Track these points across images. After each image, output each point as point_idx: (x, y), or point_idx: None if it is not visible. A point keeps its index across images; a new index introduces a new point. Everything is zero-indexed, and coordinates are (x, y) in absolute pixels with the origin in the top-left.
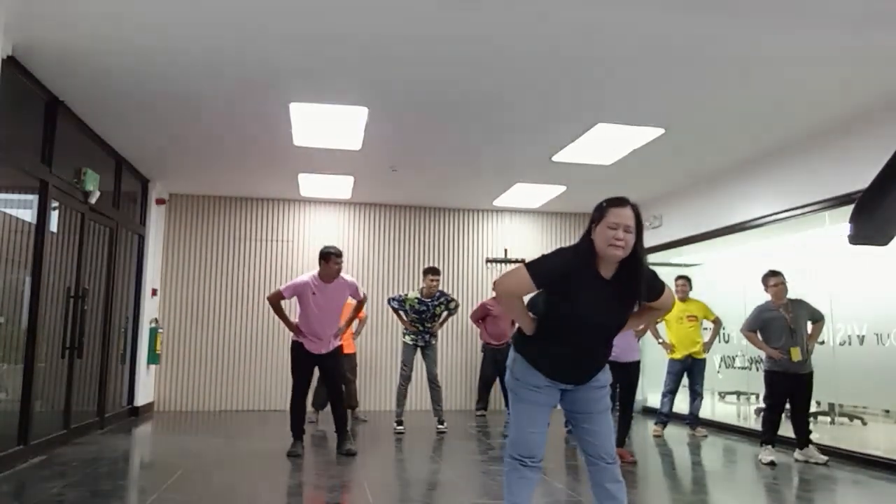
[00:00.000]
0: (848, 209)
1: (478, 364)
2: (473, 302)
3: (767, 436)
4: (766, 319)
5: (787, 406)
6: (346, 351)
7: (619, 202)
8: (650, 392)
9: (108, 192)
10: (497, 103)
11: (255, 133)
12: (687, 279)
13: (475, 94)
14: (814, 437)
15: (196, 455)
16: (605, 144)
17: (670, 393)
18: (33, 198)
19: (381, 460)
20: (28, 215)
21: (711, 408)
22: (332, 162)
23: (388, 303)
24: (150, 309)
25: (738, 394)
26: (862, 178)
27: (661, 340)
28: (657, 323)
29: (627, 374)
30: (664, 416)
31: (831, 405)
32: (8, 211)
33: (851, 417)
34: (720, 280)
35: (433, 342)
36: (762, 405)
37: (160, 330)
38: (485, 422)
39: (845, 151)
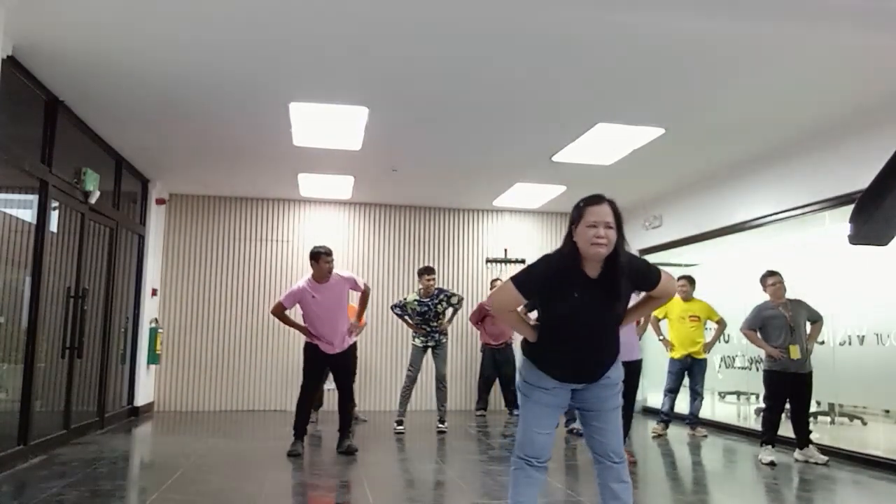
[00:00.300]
0: (848, 209)
1: (478, 364)
2: (474, 301)
3: (767, 436)
4: (765, 318)
5: (787, 406)
6: None
7: (596, 200)
8: (650, 392)
9: (108, 192)
10: (497, 103)
11: (255, 133)
12: (689, 279)
13: (475, 94)
14: (814, 437)
15: (196, 455)
16: (605, 144)
17: (671, 392)
18: (33, 198)
19: (381, 460)
20: (28, 215)
21: (711, 408)
22: (332, 162)
23: (392, 310)
24: (150, 309)
25: (738, 394)
26: (862, 178)
27: (661, 338)
28: (660, 320)
29: (628, 374)
30: (666, 416)
31: (831, 405)
32: (8, 211)
33: (851, 417)
34: (720, 280)
35: (443, 341)
36: (762, 405)
37: (160, 330)
38: (485, 422)
39: (845, 151)
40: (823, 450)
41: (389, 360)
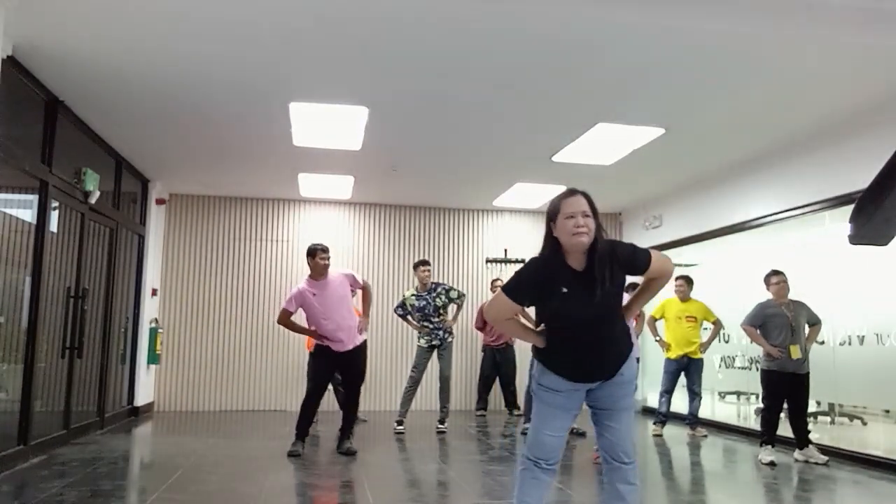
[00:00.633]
0: (848, 209)
1: (478, 364)
2: (474, 301)
3: (767, 436)
4: (767, 316)
5: (786, 406)
6: None
7: (569, 193)
8: (649, 392)
9: (108, 192)
10: (497, 103)
11: (254, 133)
12: (687, 280)
13: (475, 94)
14: (814, 437)
15: (196, 455)
16: (605, 144)
17: (667, 393)
18: (33, 198)
19: (381, 460)
20: (28, 215)
21: (711, 408)
22: (332, 162)
23: (395, 312)
24: (150, 309)
25: (738, 394)
26: (862, 178)
27: (657, 338)
28: (656, 320)
29: None
30: (662, 416)
31: (831, 405)
32: (8, 211)
33: (851, 417)
34: (720, 280)
35: (449, 339)
36: (762, 405)
37: (160, 330)
38: (485, 422)
39: (845, 151)
40: (823, 450)
41: (390, 360)
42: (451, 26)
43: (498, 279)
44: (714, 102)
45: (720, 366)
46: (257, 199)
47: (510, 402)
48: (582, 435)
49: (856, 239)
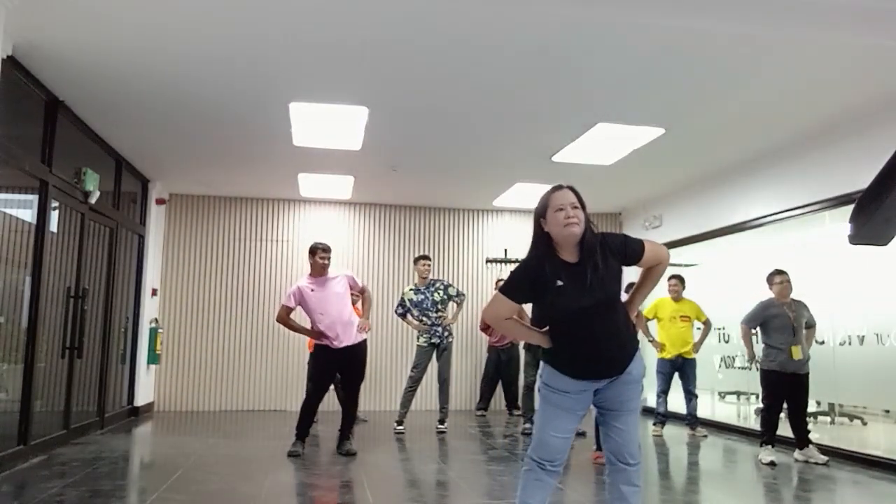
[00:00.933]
0: (848, 209)
1: (481, 365)
2: (474, 300)
3: (767, 436)
4: (768, 316)
5: (786, 406)
6: None
7: (556, 188)
8: (649, 392)
9: (108, 192)
10: (497, 103)
11: (254, 133)
12: (680, 279)
13: (475, 94)
14: (814, 437)
15: (196, 455)
16: (605, 144)
17: (664, 393)
18: (33, 198)
19: (381, 460)
20: (28, 215)
21: (711, 408)
22: (332, 162)
23: (395, 313)
24: (150, 309)
25: (738, 394)
26: (862, 178)
27: (650, 339)
28: (649, 321)
29: None
30: (662, 416)
31: (831, 405)
32: (8, 211)
33: (851, 417)
34: (720, 280)
35: (449, 339)
36: (762, 405)
37: (160, 330)
38: (485, 422)
39: (845, 151)
40: (823, 450)
41: (390, 360)
42: (451, 26)
43: (501, 279)
44: (714, 102)
45: (720, 366)
46: (257, 199)
47: (511, 402)
48: (582, 435)
49: (856, 239)
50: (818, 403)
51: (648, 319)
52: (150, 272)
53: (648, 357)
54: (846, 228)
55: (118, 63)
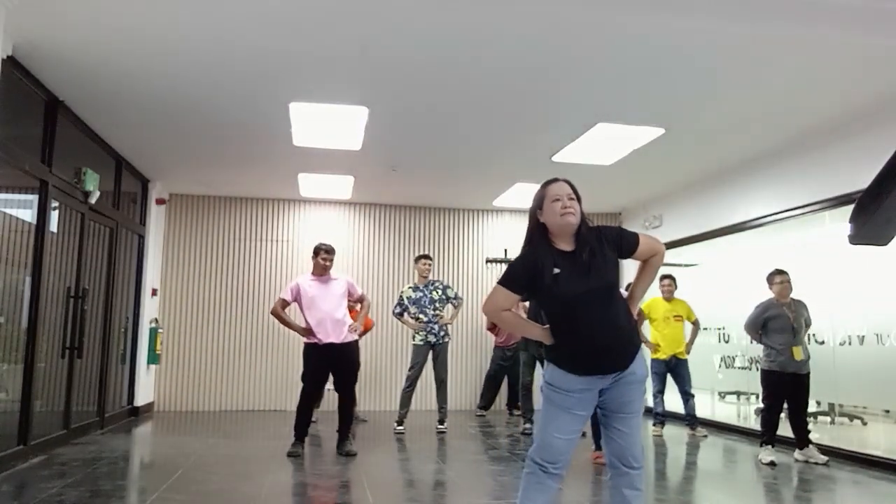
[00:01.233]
0: (848, 209)
1: (485, 365)
2: (473, 302)
3: (767, 436)
4: (768, 317)
5: (786, 406)
6: None
7: (553, 180)
8: (648, 392)
9: (108, 192)
10: (497, 103)
11: (255, 133)
12: (672, 279)
13: (475, 94)
14: (814, 437)
15: (196, 455)
16: (605, 144)
17: (660, 393)
18: (33, 198)
19: (381, 460)
20: (28, 215)
21: (711, 408)
22: (332, 162)
23: (393, 313)
24: (150, 309)
25: (738, 394)
26: (861, 178)
27: (644, 340)
28: (644, 319)
29: None
30: (661, 416)
31: (831, 405)
32: (8, 211)
33: (851, 417)
34: (720, 280)
35: (445, 339)
36: (761, 405)
37: (160, 330)
38: (485, 422)
39: (845, 151)
40: (823, 450)
41: (390, 360)
42: (451, 26)
43: None
44: (714, 102)
45: (720, 366)
46: (257, 199)
47: (513, 401)
48: (582, 435)
49: (856, 239)
50: (818, 403)
51: (644, 319)
52: (150, 272)
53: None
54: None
55: (118, 63)
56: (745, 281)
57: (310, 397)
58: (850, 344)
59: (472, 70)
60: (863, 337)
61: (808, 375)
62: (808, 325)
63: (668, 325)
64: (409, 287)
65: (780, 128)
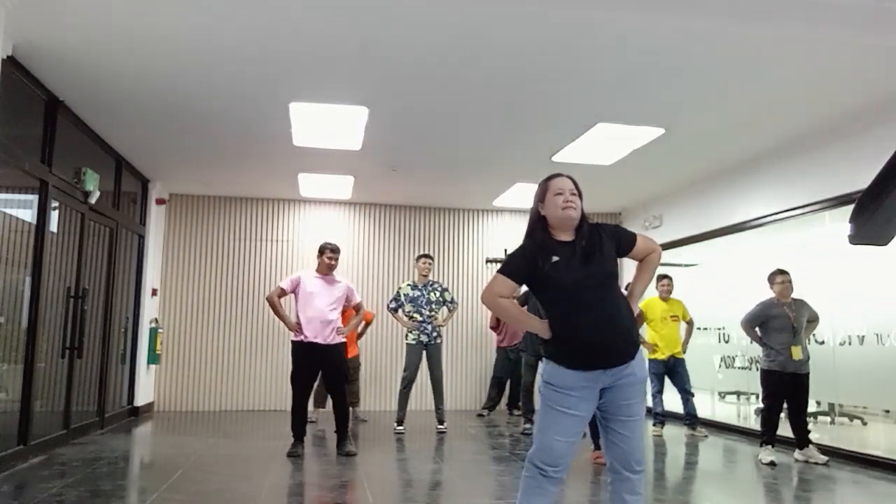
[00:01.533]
0: (848, 209)
1: (488, 367)
2: (473, 302)
3: (767, 436)
4: (768, 316)
5: (786, 406)
6: (349, 355)
7: (557, 175)
8: (648, 392)
9: (108, 192)
10: (497, 103)
11: (255, 133)
12: (670, 279)
13: (475, 94)
14: (814, 437)
15: (196, 455)
16: (605, 144)
17: (659, 393)
18: (33, 198)
19: (381, 460)
20: (28, 215)
21: (711, 408)
22: (332, 162)
23: (387, 307)
24: (150, 309)
25: (738, 394)
26: (862, 178)
27: (641, 340)
28: (644, 320)
29: None
30: (661, 416)
31: (831, 405)
32: (8, 211)
33: (851, 417)
34: (720, 280)
35: (438, 341)
36: (761, 405)
37: (160, 330)
38: (485, 422)
39: (845, 151)
40: (823, 450)
41: (390, 360)
42: (452, 26)
43: None
44: (714, 102)
45: (720, 366)
46: (257, 199)
47: (514, 401)
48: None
49: (856, 239)
50: (818, 403)
51: (644, 320)
52: (150, 272)
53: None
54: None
55: (118, 63)
56: (745, 281)
57: (300, 398)
58: (850, 344)
59: (472, 70)
60: (863, 337)
61: (807, 375)
62: (815, 321)
63: (665, 325)
64: (408, 284)
65: (780, 128)
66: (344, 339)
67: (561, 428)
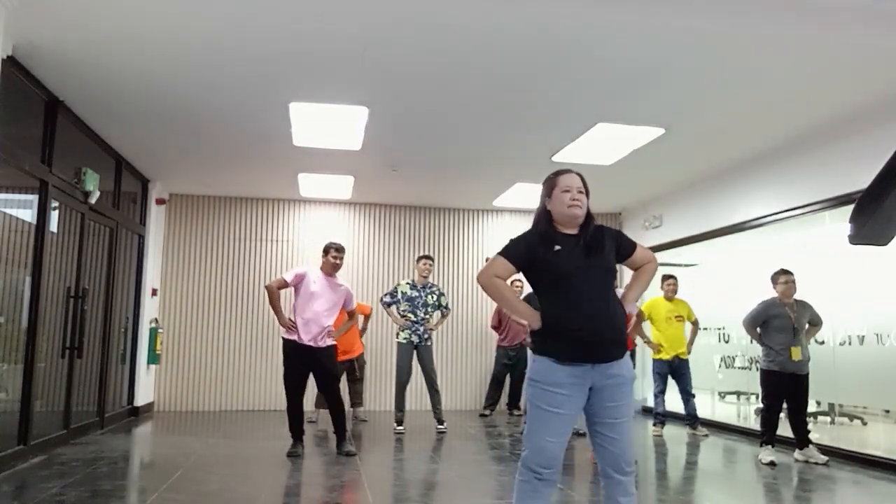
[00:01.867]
0: (848, 209)
1: (489, 367)
2: (474, 302)
3: (767, 436)
4: (770, 316)
5: (786, 406)
6: (355, 353)
7: (566, 171)
8: (648, 391)
9: (108, 192)
10: (497, 103)
11: (255, 133)
12: (675, 279)
13: (475, 94)
14: (814, 437)
15: (196, 455)
16: (605, 144)
17: (661, 393)
18: (33, 198)
19: (381, 460)
20: (28, 215)
21: (711, 408)
22: (332, 162)
23: (381, 301)
24: (150, 309)
25: (738, 394)
26: (862, 178)
27: (646, 340)
28: (643, 320)
29: None
30: (661, 416)
31: (831, 405)
32: (8, 211)
33: (851, 417)
34: (720, 280)
35: (429, 343)
36: (762, 405)
37: (160, 330)
38: (485, 422)
39: (845, 151)
40: (823, 450)
41: (390, 359)
42: (451, 26)
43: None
44: (714, 102)
45: (720, 366)
46: (257, 199)
47: (514, 401)
48: (582, 435)
49: (856, 239)
50: (818, 403)
51: (642, 321)
52: (150, 272)
53: (646, 358)
54: (846, 228)
55: (118, 63)
56: (746, 281)
57: (294, 398)
58: (850, 344)
59: (472, 70)
60: (863, 337)
61: (807, 376)
62: (817, 325)
63: (669, 325)
64: (407, 283)
65: (780, 128)
66: (334, 342)
67: (551, 429)
